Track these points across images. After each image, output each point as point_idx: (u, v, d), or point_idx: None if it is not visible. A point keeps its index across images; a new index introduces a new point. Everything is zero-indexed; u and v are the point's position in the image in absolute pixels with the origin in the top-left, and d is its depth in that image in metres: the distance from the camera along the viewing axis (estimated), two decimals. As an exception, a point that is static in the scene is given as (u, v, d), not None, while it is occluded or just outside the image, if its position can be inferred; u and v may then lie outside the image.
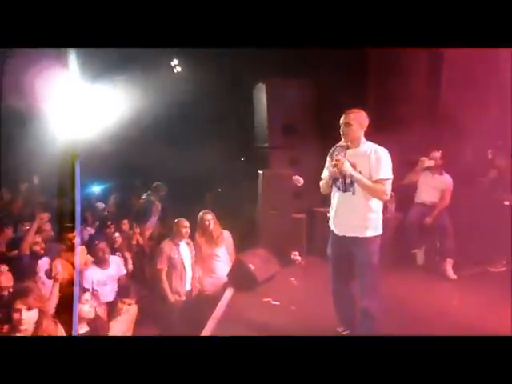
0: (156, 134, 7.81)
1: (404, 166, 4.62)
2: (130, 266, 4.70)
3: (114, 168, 8.08)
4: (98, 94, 2.68)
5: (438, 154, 4.90)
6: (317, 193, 3.39)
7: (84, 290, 3.45)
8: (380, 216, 3.05)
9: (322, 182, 3.26)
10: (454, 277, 4.65)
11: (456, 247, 4.74)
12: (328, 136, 3.52)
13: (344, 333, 3.21)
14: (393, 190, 3.11)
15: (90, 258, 4.26)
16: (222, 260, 4.81)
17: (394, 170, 3.01)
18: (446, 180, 4.88)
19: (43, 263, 3.94)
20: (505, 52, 4.68)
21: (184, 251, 4.61)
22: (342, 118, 3.05)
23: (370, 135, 3.11)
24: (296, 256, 5.19)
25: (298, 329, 3.31)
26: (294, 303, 3.93)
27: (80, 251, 4.01)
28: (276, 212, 5.29)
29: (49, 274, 3.67)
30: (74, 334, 2.64)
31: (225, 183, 7.58)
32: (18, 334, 2.59)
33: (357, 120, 3.02)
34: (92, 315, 3.33)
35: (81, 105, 2.55)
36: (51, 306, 3.25)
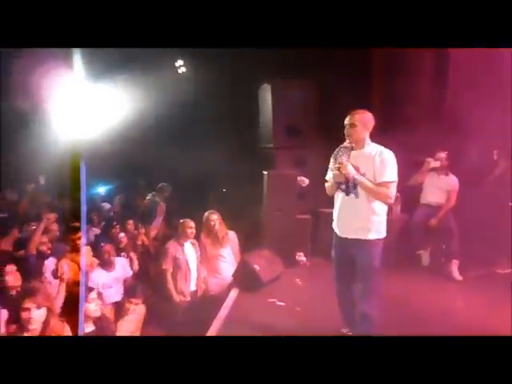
0: (160, 134, 7.82)
1: (410, 166, 4.60)
2: (136, 267, 4.71)
3: (119, 168, 8.12)
4: (102, 94, 2.69)
5: (443, 155, 4.88)
6: (322, 193, 3.38)
7: (90, 290, 3.46)
8: (384, 219, 3.01)
9: (327, 184, 3.24)
10: (460, 278, 4.64)
11: (462, 248, 4.71)
12: (333, 137, 3.51)
13: (349, 333, 3.20)
14: (398, 191, 3.08)
15: (96, 260, 4.27)
16: (227, 260, 4.82)
17: (400, 171, 2.97)
18: (452, 181, 4.85)
19: (49, 263, 3.97)
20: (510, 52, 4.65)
21: (189, 252, 4.63)
22: (346, 119, 3.03)
23: (375, 136, 3.08)
24: (301, 257, 5.18)
25: (303, 329, 3.30)
26: (299, 304, 3.92)
27: (86, 251, 4.03)
28: (281, 213, 5.27)
29: (55, 273, 3.69)
30: (80, 332, 2.66)
31: (229, 184, 7.57)
32: (26, 333, 2.61)
33: (362, 121, 2.99)
34: (98, 314, 3.36)
35: (86, 105, 2.57)
36: (58, 305, 3.28)
